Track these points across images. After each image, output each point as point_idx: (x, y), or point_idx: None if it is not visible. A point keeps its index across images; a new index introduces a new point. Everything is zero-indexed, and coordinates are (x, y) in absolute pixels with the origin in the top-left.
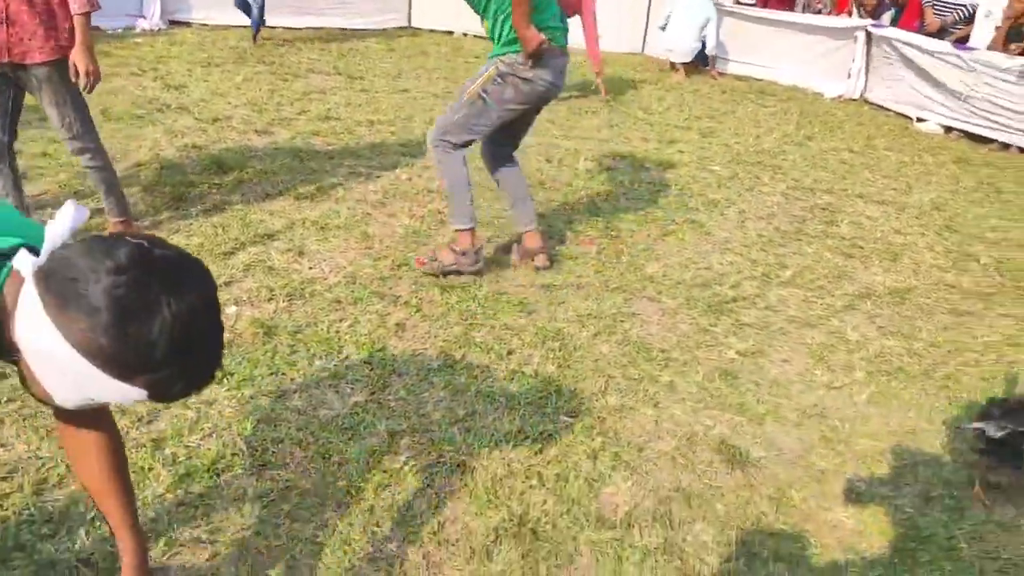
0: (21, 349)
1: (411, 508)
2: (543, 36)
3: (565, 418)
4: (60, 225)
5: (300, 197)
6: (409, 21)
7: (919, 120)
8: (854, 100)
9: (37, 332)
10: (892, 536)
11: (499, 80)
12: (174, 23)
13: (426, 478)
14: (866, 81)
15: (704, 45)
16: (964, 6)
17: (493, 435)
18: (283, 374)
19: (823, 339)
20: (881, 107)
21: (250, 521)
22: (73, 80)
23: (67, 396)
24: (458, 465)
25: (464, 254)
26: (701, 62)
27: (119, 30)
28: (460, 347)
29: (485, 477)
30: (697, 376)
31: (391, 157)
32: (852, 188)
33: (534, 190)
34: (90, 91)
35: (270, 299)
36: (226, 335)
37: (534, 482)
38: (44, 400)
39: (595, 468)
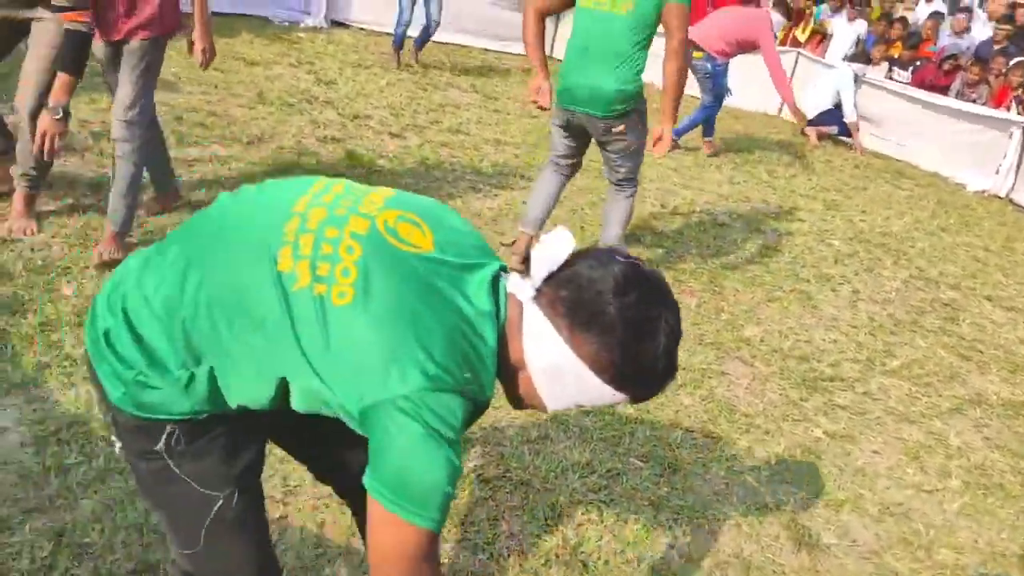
0: (527, 367)
1: (470, 516)
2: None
3: (635, 461)
4: (553, 251)
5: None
6: (552, 50)
7: None
8: (999, 198)
9: (548, 351)
10: None
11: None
12: (335, 23)
13: (490, 490)
14: (1015, 180)
15: (841, 113)
16: None
17: (561, 462)
18: None
19: (921, 438)
20: None
21: (323, 491)
22: (190, 56)
23: (561, 405)
24: (522, 483)
25: None
26: (841, 131)
27: (286, 23)
28: None
29: (547, 501)
30: (778, 448)
31: (511, 179)
32: (981, 288)
33: (643, 232)
34: (205, 67)
35: None
36: None
37: (594, 516)
38: (531, 407)
39: (656, 517)
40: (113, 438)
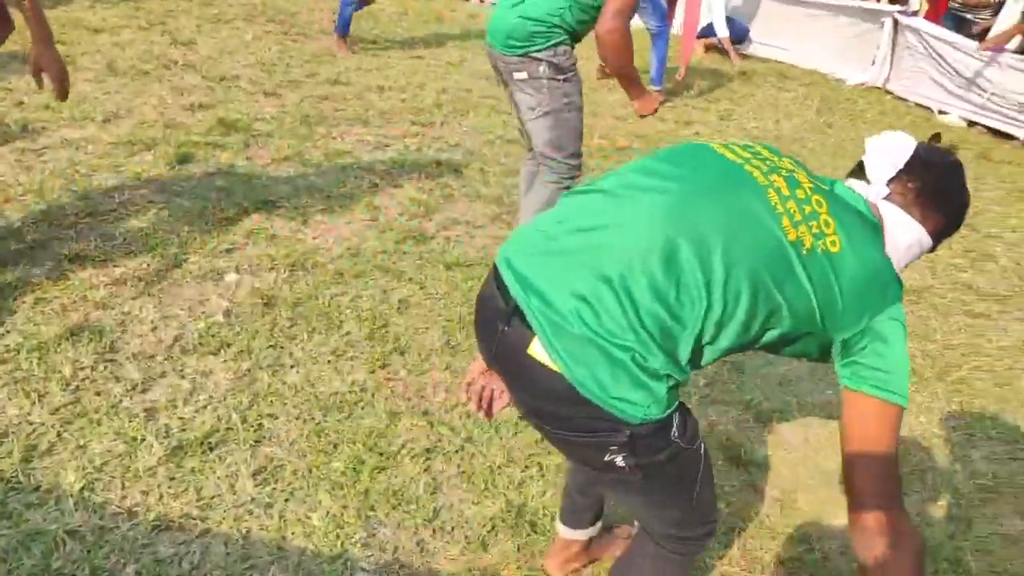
0: (894, 253)
1: (407, 493)
2: None
3: None
4: (895, 155)
5: (306, 163)
6: None
7: (941, 112)
8: (876, 88)
9: (907, 234)
10: None
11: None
12: None
13: (423, 463)
14: (890, 70)
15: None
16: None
17: (494, 422)
18: (281, 347)
19: None
20: (903, 98)
21: (242, 499)
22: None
23: (903, 266)
24: (456, 451)
25: None
26: (734, 40)
27: None
28: (464, 327)
29: (484, 465)
30: (706, 368)
31: (401, 126)
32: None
33: None
34: (64, 98)
35: (271, 268)
36: (225, 304)
37: (534, 472)
38: None
39: None
40: (618, 460)
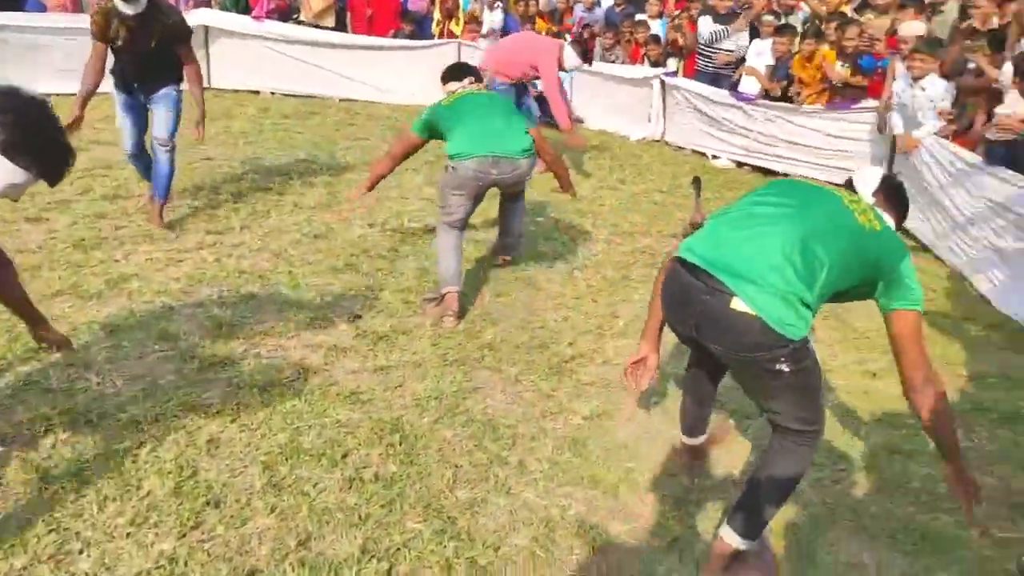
0: None
1: None
2: None
3: (413, 525)
4: (870, 179)
5: (84, 296)
6: (208, 81)
7: (714, 157)
8: (656, 141)
9: (890, 221)
10: None
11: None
12: None
13: None
14: (664, 123)
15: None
16: (732, 52)
17: (332, 563)
18: (65, 530)
19: (661, 388)
20: (680, 148)
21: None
22: None
23: None
24: None
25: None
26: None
27: None
28: (287, 458)
29: None
30: (547, 451)
31: (195, 236)
32: (666, 228)
33: (358, 259)
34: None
35: (47, 431)
36: None
37: None
38: None
39: None
40: (784, 366)
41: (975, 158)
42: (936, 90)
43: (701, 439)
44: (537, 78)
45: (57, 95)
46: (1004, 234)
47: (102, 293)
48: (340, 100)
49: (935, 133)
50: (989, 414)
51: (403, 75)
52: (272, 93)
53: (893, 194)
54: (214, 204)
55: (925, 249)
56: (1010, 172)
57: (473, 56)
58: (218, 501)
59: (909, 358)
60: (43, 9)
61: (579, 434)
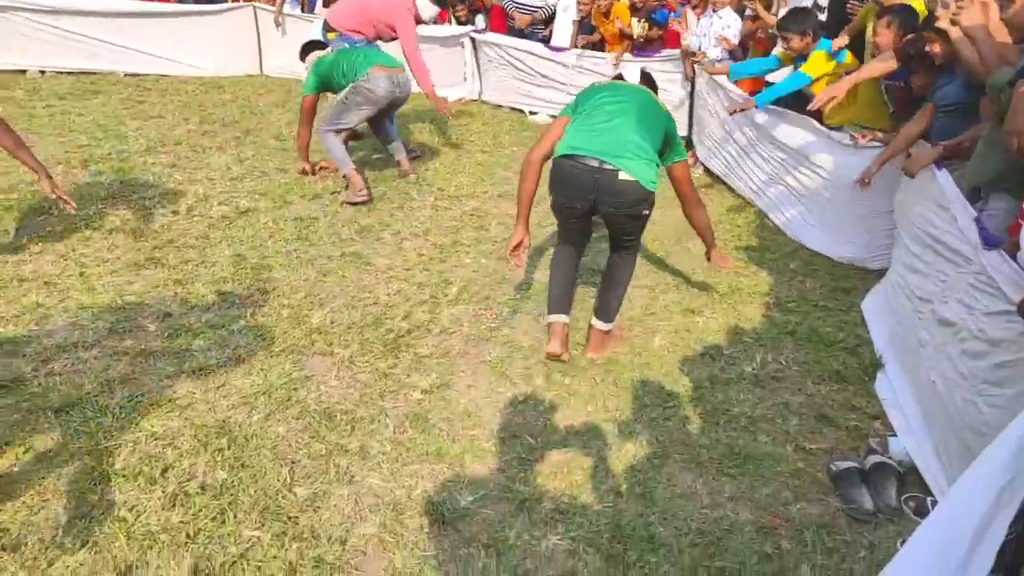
0: None
1: None
2: None
3: (250, 533)
4: (633, 72)
5: None
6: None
7: (531, 113)
8: (475, 100)
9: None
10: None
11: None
12: None
13: None
14: (481, 82)
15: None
16: (543, 8)
17: None
18: None
19: (499, 351)
20: (499, 106)
21: None
22: None
23: None
24: None
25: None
26: None
27: None
28: (95, 484)
29: None
30: (388, 431)
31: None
32: (492, 189)
33: (162, 251)
34: None
35: None
36: None
37: None
38: None
39: None
40: (645, 211)
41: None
42: (728, 19)
43: (567, 317)
44: (395, 38)
45: None
46: (792, 170)
47: None
48: (126, 75)
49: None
50: (793, 336)
51: (196, 44)
52: (42, 72)
53: (649, 81)
54: None
55: (720, 181)
56: (791, 113)
57: (267, 21)
58: (16, 545)
59: (685, 191)
60: None
61: (420, 409)
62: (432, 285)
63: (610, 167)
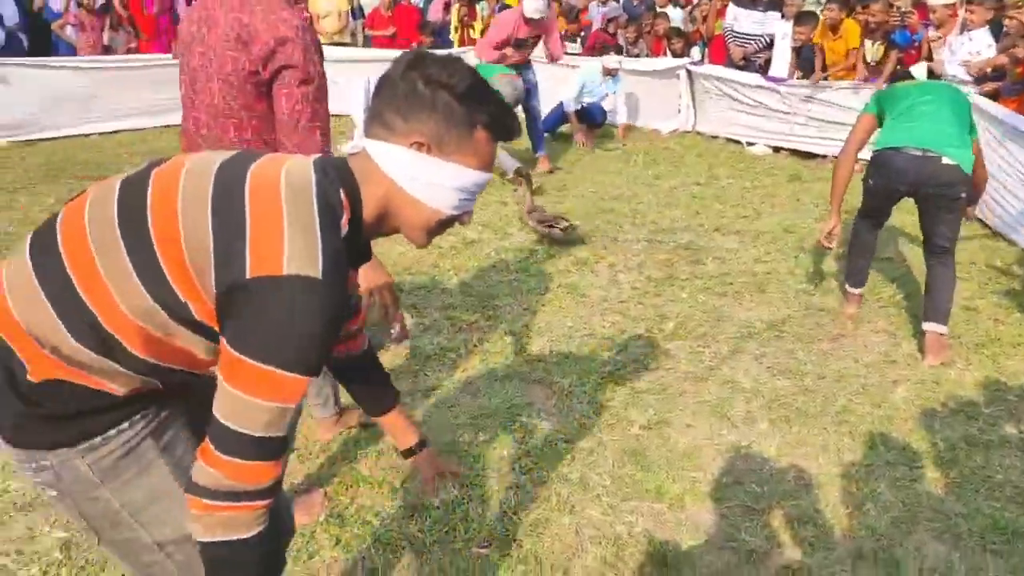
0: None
1: None
2: None
3: (479, 550)
4: None
5: None
6: None
7: (749, 144)
8: (688, 132)
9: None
10: None
11: None
12: None
13: None
14: (695, 113)
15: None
16: (761, 36)
17: None
18: None
19: (719, 391)
20: (714, 137)
21: None
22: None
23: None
24: None
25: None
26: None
27: None
28: (347, 488)
29: None
30: (608, 464)
31: None
32: (708, 223)
33: (400, 278)
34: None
35: None
36: None
37: None
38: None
39: None
40: (963, 193)
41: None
42: (980, 42)
43: (862, 289)
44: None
45: (100, 134)
46: None
47: None
48: None
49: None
50: None
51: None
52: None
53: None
54: None
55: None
56: None
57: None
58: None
59: (979, 161)
60: (74, 52)
61: (638, 445)
62: (647, 319)
63: (934, 154)
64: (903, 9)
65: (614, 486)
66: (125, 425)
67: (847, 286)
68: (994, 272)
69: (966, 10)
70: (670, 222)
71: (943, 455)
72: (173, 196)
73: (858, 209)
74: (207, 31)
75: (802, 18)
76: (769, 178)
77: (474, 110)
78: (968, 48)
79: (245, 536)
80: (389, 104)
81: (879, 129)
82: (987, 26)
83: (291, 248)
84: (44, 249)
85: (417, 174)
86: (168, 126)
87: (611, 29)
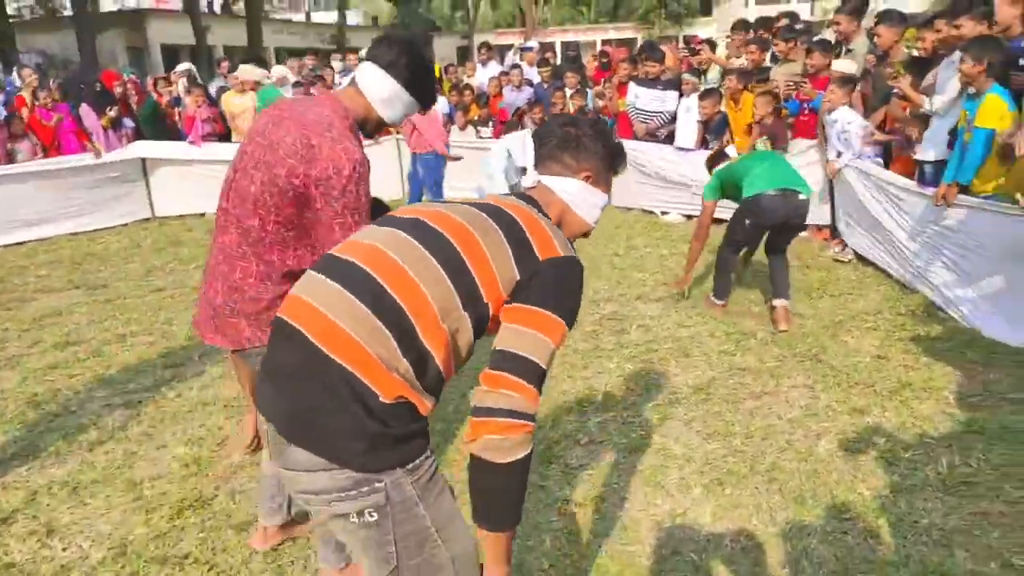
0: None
1: None
2: None
3: None
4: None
5: (40, 455)
6: (152, 211)
7: (663, 213)
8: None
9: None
10: None
11: None
12: None
13: None
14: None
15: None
16: (662, 112)
17: None
18: None
19: (652, 460)
20: (628, 208)
21: None
22: None
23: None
24: None
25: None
26: None
27: None
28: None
29: None
30: (545, 546)
31: (152, 374)
32: (629, 292)
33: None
34: None
35: None
36: None
37: None
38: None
39: None
40: (807, 213)
41: (905, 181)
42: (843, 121)
43: (727, 299)
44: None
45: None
46: (956, 249)
47: (59, 450)
48: None
49: (856, 156)
50: (983, 435)
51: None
52: None
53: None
54: (170, 336)
55: (877, 268)
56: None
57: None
58: None
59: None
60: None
61: (575, 524)
62: (576, 392)
63: (794, 191)
64: (798, 80)
65: (553, 570)
66: (429, 450)
67: (714, 298)
68: (900, 319)
69: (828, 90)
70: (593, 293)
71: (869, 504)
72: (468, 230)
73: (727, 243)
74: (272, 128)
75: (706, 94)
76: (685, 244)
77: (614, 156)
78: (840, 124)
79: (529, 452)
80: (564, 150)
81: (744, 184)
82: (847, 104)
83: (558, 242)
84: (350, 280)
85: (584, 199)
86: (76, 234)
87: (521, 117)
